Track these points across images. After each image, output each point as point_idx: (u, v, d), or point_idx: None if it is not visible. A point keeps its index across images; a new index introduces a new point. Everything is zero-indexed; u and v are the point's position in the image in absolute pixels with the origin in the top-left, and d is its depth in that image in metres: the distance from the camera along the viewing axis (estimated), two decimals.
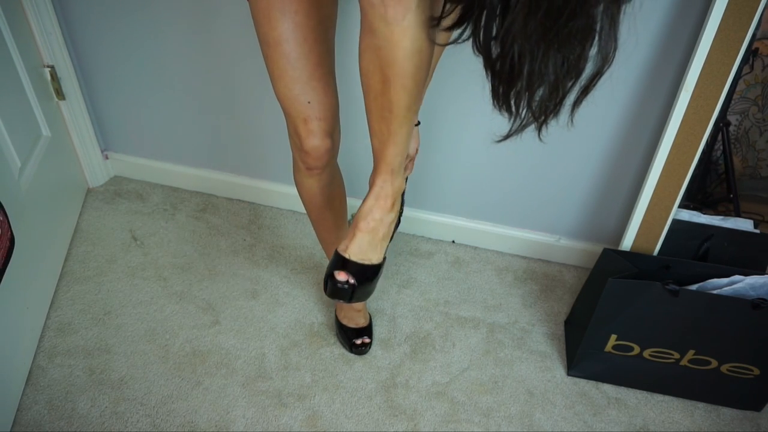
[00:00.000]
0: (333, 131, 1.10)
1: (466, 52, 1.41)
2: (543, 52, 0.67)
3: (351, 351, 1.43)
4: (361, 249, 0.99)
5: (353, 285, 0.99)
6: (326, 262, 1.64)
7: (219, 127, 1.67)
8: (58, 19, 1.54)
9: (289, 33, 0.99)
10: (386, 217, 1.00)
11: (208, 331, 1.47)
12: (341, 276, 0.99)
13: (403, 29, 0.81)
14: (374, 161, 0.99)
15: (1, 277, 1.22)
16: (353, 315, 1.43)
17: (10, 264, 1.28)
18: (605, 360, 1.37)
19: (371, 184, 1.00)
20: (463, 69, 1.35)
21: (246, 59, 1.50)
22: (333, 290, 1.00)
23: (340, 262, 1.00)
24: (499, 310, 1.56)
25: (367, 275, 1.01)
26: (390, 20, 0.80)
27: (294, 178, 1.22)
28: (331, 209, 1.26)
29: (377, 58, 0.85)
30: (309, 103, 1.04)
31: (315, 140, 1.08)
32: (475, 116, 1.45)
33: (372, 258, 1.00)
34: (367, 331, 1.44)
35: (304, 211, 1.78)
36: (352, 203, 1.73)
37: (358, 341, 1.42)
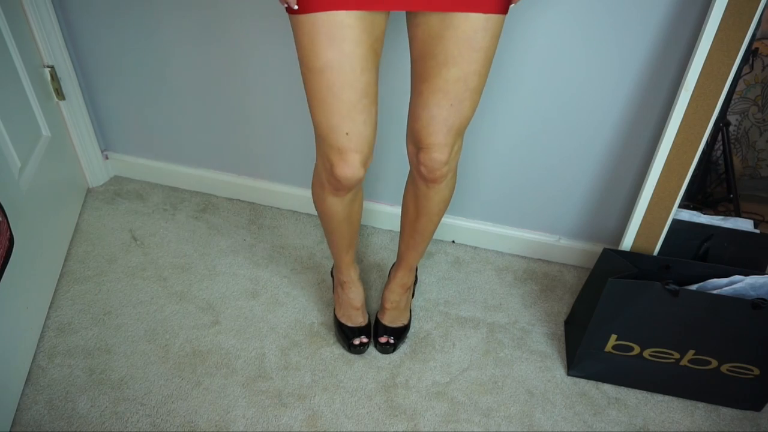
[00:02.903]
0: (367, 161, 1.06)
1: None
2: None
3: (349, 350, 1.42)
4: (392, 319, 1.44)
5: (393, 343, 1.42)
6: (327, 263, 1.64)
7: (219, 127, 1.67)
8: (58, 19, 1.54)
9: (336, 62, 0.91)
10: (405, 295, 1.44)
11: (208, 331, 1.47)
12: (383, 339, 1.42)
13: (437, 190, 1.16)
14: (399, 259, 1.39)
15: (0, 278, 1.22)
16: (352, 313, 1.43)
17: (9, 264, 1.28)
18: (605, 360, 1.37)
19: (393, 275, 1.42)
20: None
21: (246, 59, 1.50)
22: (380, 349, 1.43)
23: (381, 329, 1.43)
24: (499, 310, 1.56)
25: (401, 333, 1.44)
26: (431, 186, 1.15)
27: (313, 191, 1.20)
28: (349, 223, 1.24)
29: (415, 199, 1.21)
30: (347, 134, 0.99)
31: (348, 170, 1.04)
32: (474, 117, 1.45)
33: (403, 320, 1.45)
34: (365, 330, 1.44)
35: (305, 211, 1.79)
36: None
37: (357, 341, 1.41)
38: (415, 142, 1.10)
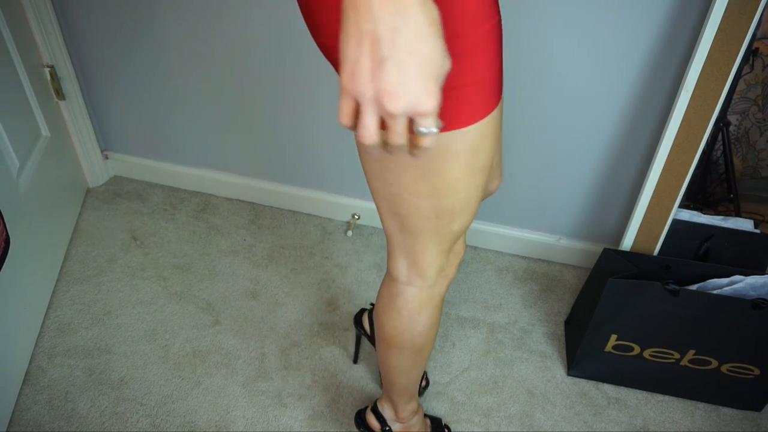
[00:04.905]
0: None
1: None
2: None
3: None
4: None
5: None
6: (327, 263, 1.63)
7: (219, 127, 1.67)
8: (58, 19, 1.54)
9: (495, 148, 0.78)
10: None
11: (208, 331, 1.47)
12: None
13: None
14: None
15: None
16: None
17: (7, 264, 1.28)
18: (605, 360, 1.37)
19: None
20: None
21: (246, 59, 1.50)
22: None
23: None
24: (499, 310, 1.56)
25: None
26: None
27: (398, 329, 0.95)
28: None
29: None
30: None
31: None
32: None
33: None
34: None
35: (305, 211, 1.79)
36: (354, 203, 1.73)
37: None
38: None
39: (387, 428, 1.20)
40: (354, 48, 0.48)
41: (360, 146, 0.75)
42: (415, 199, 0.76)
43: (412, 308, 0.91)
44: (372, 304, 1.38)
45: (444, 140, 0.70)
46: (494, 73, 0.71)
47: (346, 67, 0.49)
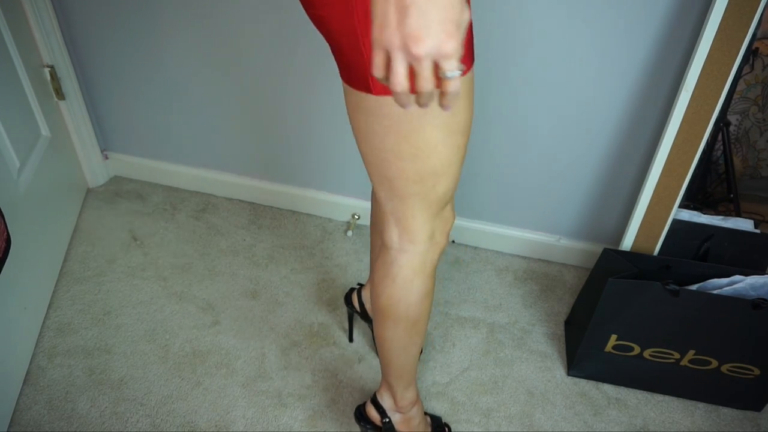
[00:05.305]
0: None
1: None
2: None
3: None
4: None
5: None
6: (326, 263, 1.63)
7: (219, 127, 1.67)
8: (58, 19, 1.54)
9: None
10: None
11: (208, 331, 1.47)
12: None
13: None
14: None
15: None
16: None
17: (7, 264, 1.28)
18: (605, 360, 1.37)
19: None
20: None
21: (246, 59, 1.50)
22: None
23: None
24: (499, 310, 1.56)
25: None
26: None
27: (410, 294, 0.97)
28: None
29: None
30: None
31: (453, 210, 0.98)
32: (474, 118, 1.45)
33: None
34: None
35: (305, 211, 1.79)
36: (354, 203, 1.73)
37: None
38: None
39: (386, 419, 1.19)
40: (382, 3, 0.54)
41: (350, 109, 0.80)
42: (400, 162, 0.82)
43: (406, 276, 0.96)
44: (359, 284, 1.39)
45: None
46: (469, 33, 0.77)
47: (376, 21, 0.55)
